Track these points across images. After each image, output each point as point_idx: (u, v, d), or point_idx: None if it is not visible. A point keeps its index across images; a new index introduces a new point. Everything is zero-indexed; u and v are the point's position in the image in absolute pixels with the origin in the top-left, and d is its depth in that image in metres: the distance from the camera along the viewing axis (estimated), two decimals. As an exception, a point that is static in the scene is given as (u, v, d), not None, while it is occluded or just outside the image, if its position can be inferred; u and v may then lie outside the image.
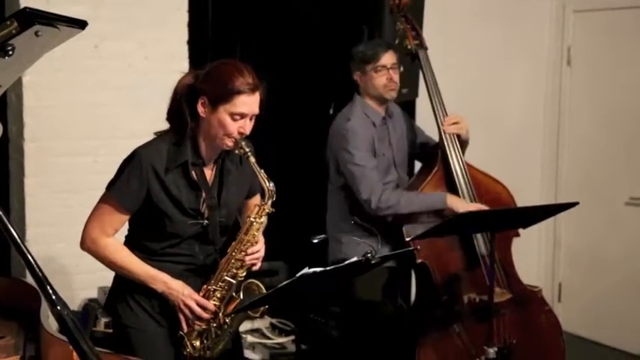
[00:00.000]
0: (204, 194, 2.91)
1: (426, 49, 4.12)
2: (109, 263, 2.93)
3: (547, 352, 4.07)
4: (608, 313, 5.47)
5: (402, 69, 4.05)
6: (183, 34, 4.54)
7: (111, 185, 2.88)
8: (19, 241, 2.01)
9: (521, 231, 4.02)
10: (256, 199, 3.11)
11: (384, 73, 3.91)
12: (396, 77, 3.94)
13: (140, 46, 4.42)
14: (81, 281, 4.19)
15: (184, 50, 4.54)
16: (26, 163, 4.18)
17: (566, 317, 5.50)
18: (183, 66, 4.50)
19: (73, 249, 4.21)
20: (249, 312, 2.96)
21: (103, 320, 3.95)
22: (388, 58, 3.91)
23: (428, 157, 4.19)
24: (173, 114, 2.91)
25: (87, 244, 2.93)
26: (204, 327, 2.93)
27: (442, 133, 4.00)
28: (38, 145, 4.21)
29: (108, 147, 4.32)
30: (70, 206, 4.23)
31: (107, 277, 4.15)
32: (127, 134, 4.27)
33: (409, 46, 4.11)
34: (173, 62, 4.47)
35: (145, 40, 4.44)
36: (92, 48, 4.18)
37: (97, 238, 2.89)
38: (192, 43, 4.56)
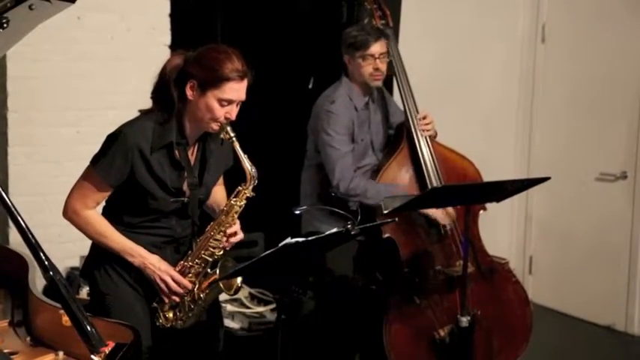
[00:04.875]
0: (186, 173, 2.97)
1: (391, 28, 4.15)
2: (89, 234, 2.99)
3: (514, 323, 4.14)
4: (577, 285, 5.58)
5: (390, 59, 4.03)
6: (165, 7, 4.57)
7: (95, 161, 2.91)
8: (13, 209, 2.09)
9: (494, 205, 4.07)
10: (220, 178, 3.19)
11: (371, 62, 3.92)
12: (383, 67, 3.95)
13: (122, 18, 4.45)
14: (64, 250, 4.24)
15: (166, 23, 4.57)
16: (10, 132, 4.21)
17: (536, 290, 5.63)
18: (165, 39, 4.54)
19: (56, 218, 4.24)
20: (223, 289, 3.02)
21: (86, 289, 3.99)
22: (377, 48, 3.92)
23: (394, 134, 4.23)
24: (159, 93, 2.94)
25: (69, 215, 2.99)
26: (178, 300, 3.01)
27: (407, 111, 4.05)
28: (21, 115, 4.23)
29: (90, 118, 4.36)
30: (53, 176, 4.27)
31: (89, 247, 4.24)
32: (110, 105, 4.32)
33: (376, 26, 4.12)
34: (155, 35, 4.51)
35: (127, 12, 4.46)
36: (75, 19, 4.20)
37: (79, 210, 2.95)
38: (174, 15, 4.59)
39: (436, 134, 4.12)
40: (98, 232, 2.96)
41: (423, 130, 4.03)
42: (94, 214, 2.97)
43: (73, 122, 4.36)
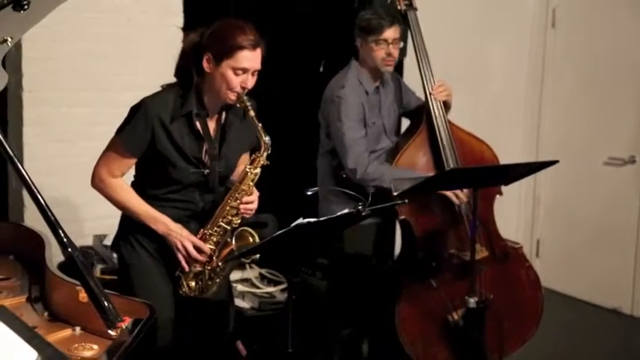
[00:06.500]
0: (206, 144, 3.07)
1: (415, 9, 4.14)
2: (115, 202, 3.11)
3: (525, 307, 4.17)
4: (584, 269, 5.62)
5: (402, 44, 4.06)
6: (179, -11, 4.62)
7: (119, 131, 3.04)
8: (33, 188, 2.14)
9: (502, 188, 4.14)
10: (246, 157, 3.25)
11: (384, 47, 3.92)
12: (396, 52, 3.95)
13: (137, 1, 4.47)
14: (77, 229, 4.26)
15: (180, 5, 4.59)
16: (25, 112, 4.25)
17: (543, 272, 5.60)
18: (178, 21, 4.55)
19: (69, 197, 4.33)
20: (242, 258, 3.12)
21: (99, 267, 4.06)
22: (391, 33, 3.92)
23: (413, 117, 4.27)
24: (180, 69, 3.08)
25: (95, 183, 3.11)
26: (199, 269, 3.10)
27: (427, 94, 4.06)
28: (36, 95, 4.27)
29: (104, 99, 4.39)
30: (67, 156, 4.31)
31: (102, 226, 4.29)
32: (123, 87, 4.35)
33: (399, 7, 4.13)
34: (169, 17, 4.53)
35: (142, -6, 4.51)
36: (90, 1, 4.23)
37: (105, 178, 3.07)
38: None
39: (450, 104, 4.13)
40: (123, 199, 3.08)
41: (437, 97, 4.04)
42: (120, 182, 3.10)
43: (86, 103, 4.39)
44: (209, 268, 3.11)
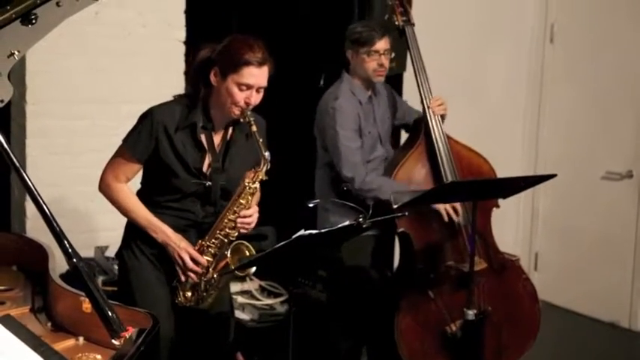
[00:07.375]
0: (208, 156, 3.11)
1: (412, 25, 4.18)
2: (119, 207, 3.18)
3: (523, 319, 4.18)
4: (582, 282, 5.62)
5: (393, 55, 4.11)
6: (181, 4, 4.63)
7: (126, 138, 3.12)
8: (39, 199, 2.16)
9: (500, 201, 4.16)
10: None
11: (376, 58, 3.97)
12: (387, 63, 4.00)
13: (139, 15, 4.50)
14: (79, 240, 4.19)
15: (181, 19, 4.63)
16: (28, 124, 4.29)
17: (541, 286, 5.65)
18: (180, 35, 4.59)
19: (71, 209, 4.35)
20: (236, 272, 3.13)
21: (100, 278, 4.08)
22: (382, 44, 3.97)
23: (412, 130, 4.30)
24: (192, 81, 3.18)
25: (102, 188, 3.19)
26: (196, 280, 3.14)
27: (425, 108, 4.08)
28: (39, 107, 4.30)
29: (105, 111, 4.42)
30: (69, 167, 4.33)
31: (104, 237, 4.31)
32: (124, 99, 4.39)
33: (397, 22, 4.16)
34: (170, 31, 4.57)
35: (144, 8, 4.52)
36: (93, 15, 4.26)
37: (110, 183, 3.15)
38: (189, 12, 4.66)
39: (444, 118, 4.15)
40: (126, 205, 3.15)
41: (435, 111, 4.07)
42: (124, 188, 3.17)
43: (88, 115, 4.43)
44: (205, 279, 3.14)
